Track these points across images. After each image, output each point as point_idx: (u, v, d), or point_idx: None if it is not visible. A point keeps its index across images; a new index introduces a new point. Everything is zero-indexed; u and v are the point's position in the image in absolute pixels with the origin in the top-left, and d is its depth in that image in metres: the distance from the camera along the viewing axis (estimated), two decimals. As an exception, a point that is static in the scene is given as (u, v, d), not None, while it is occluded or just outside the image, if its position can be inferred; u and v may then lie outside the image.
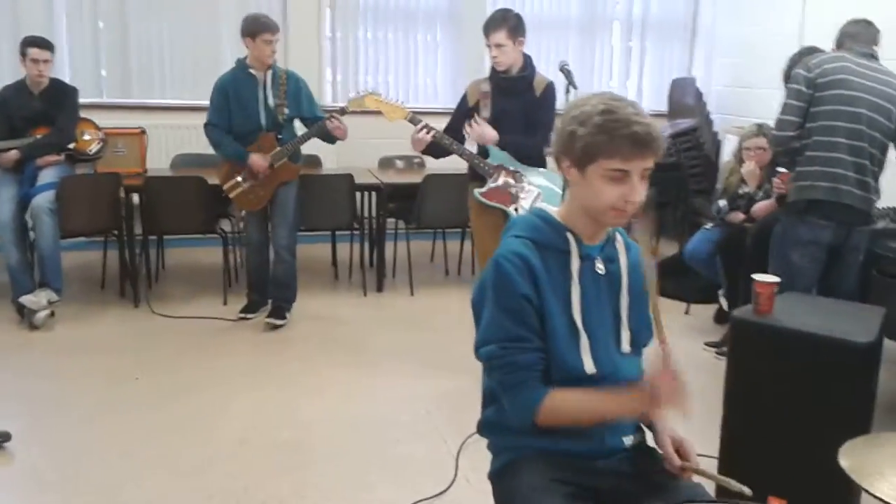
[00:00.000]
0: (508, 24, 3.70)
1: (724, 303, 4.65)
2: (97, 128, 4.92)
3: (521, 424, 1.69)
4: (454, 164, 4.42)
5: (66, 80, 5.12)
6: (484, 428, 1.85)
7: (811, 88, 3.43)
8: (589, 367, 1.69)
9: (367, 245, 5.67)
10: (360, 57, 6.68)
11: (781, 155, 3.71)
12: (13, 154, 4.52)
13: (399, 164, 6.12)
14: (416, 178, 5.32)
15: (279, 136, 4.46)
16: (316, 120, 4.50)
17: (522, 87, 3.80)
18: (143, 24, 6.10)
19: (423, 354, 4.19)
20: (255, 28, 4.30)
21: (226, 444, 3.18)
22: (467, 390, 3.49)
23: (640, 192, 1.63)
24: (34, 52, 4.52)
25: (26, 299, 4.34)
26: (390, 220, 5.47)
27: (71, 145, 4.75)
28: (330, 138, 4.52)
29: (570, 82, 3.66)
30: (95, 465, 2.99)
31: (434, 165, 5.55)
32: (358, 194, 5.29)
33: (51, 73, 4.66)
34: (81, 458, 3.04)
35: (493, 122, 3.82)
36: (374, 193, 5.46)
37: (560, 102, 3.82)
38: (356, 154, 6.02)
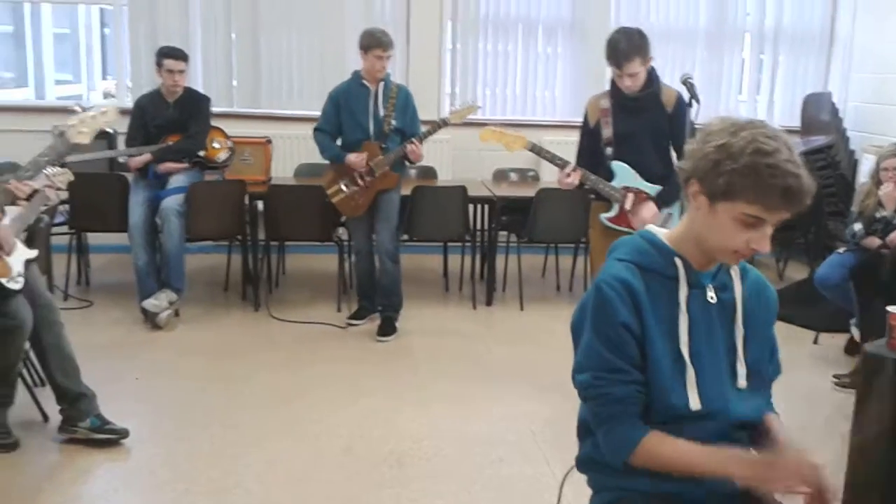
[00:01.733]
0: (640, 50, 3.43)
1: (855, 333, 4.35)
2: (227, 137, 5.13)
3: (613, 462, 1.60)
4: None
5: (200, 89, 5.36)
6: (582, 464, 1.77)
7: None
8: (694, 402, 1.58)
9: (478, 257, 5.66)
10: (479, 68, 6.68)
11: None
12: (144, 157, 4.76)
13: (513, 176, 6.08)
14: (529, 192, 5.27)
15: (383, 146, 4.53)
16: (414, 136, 4.56)
17: (649, 104, 3.56)
18: (273, 36, 6.34)
19: (532, 372, 4.12)
20: (369, 42, 4.42)
21: (332, 453, 3.22)
22: (575, 413, 3.42)
23: (768, 242, 1.52)
24: (169, 62, 4.75)
25: (148, 303, 4.56)
26: (502, 233, 5.44)
27: (201, 153, 4.96)
28: (398, 166, 4.61)
29: (693, 96, 3.50)
30: (208, 465, 3.09)
31: (548, 179, 5.49)
32: (471, 206, 5.29)
33: (185, 82, 4.89)
34: (195, 457, 3.15)
35: (616, 142, 3.61)
36: (486, 206, 5.44)
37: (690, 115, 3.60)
38: (471, 166, 6.02)
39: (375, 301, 4.81)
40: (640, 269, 1.61)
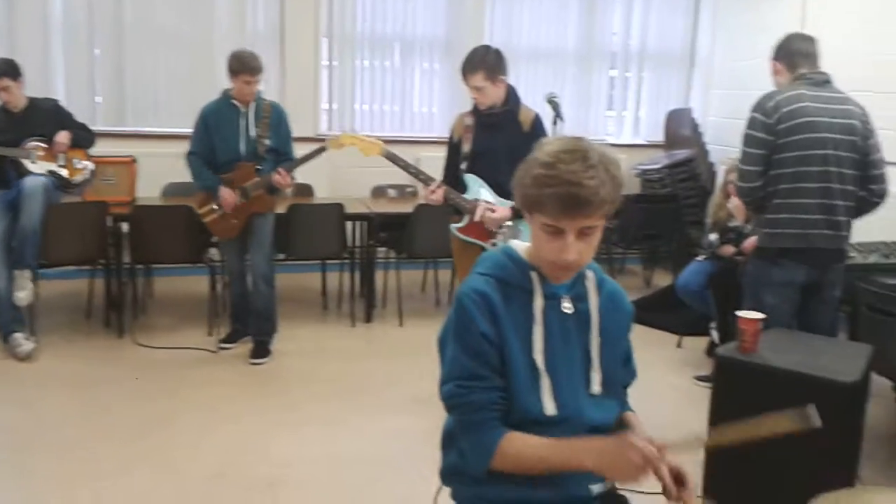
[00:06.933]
0: (486, 65, 3.55)
1: (715, 336, 4.56)
2: (89, 157, 4.86)
3: (477, 469, 1.62)
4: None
5: (63, 105, 5.03)
6: (445, 476, 1.79)
7: (772, 135, 3.25)
8: (549, 408, 1.62)
9: (357, 275, 5.62)
10: (356, 86, 6.67)
11: (749, 206, 3.60)
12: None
13: (392, 192, 6.09)
14: (407, 208, 5.29)
15: (258, 168, 4.42)
16: (286, 156, 4.49)
17: (506, 122, 3.66)
18: (139, 52, 6.10)
19: (411, 388, 4.10)
20: (237, 67, 4.30)
21: (200, 479, 3.11)
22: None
23: (575, 250, 1.57)
24: None
25: (17, 298, 4.33)
26: (381, 250, 5.42)
27: (63, 172, 4.68)
28: (274, 189, 4.50)
29: (557, 114, 3.60)
30: (61, 499, 2.92)
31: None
32: (349, 223, 5.25)
33: (20, 93, 4.59)
34: (48, 492, 2.97)
35: (474, 157, 3.69)
36: (364, 223, 5.41)
37: (549, 134, 3.73)
38: (349, 183, 5.99)
39: (249, 323, 4.69)
40: (499, 282, 1.66)
